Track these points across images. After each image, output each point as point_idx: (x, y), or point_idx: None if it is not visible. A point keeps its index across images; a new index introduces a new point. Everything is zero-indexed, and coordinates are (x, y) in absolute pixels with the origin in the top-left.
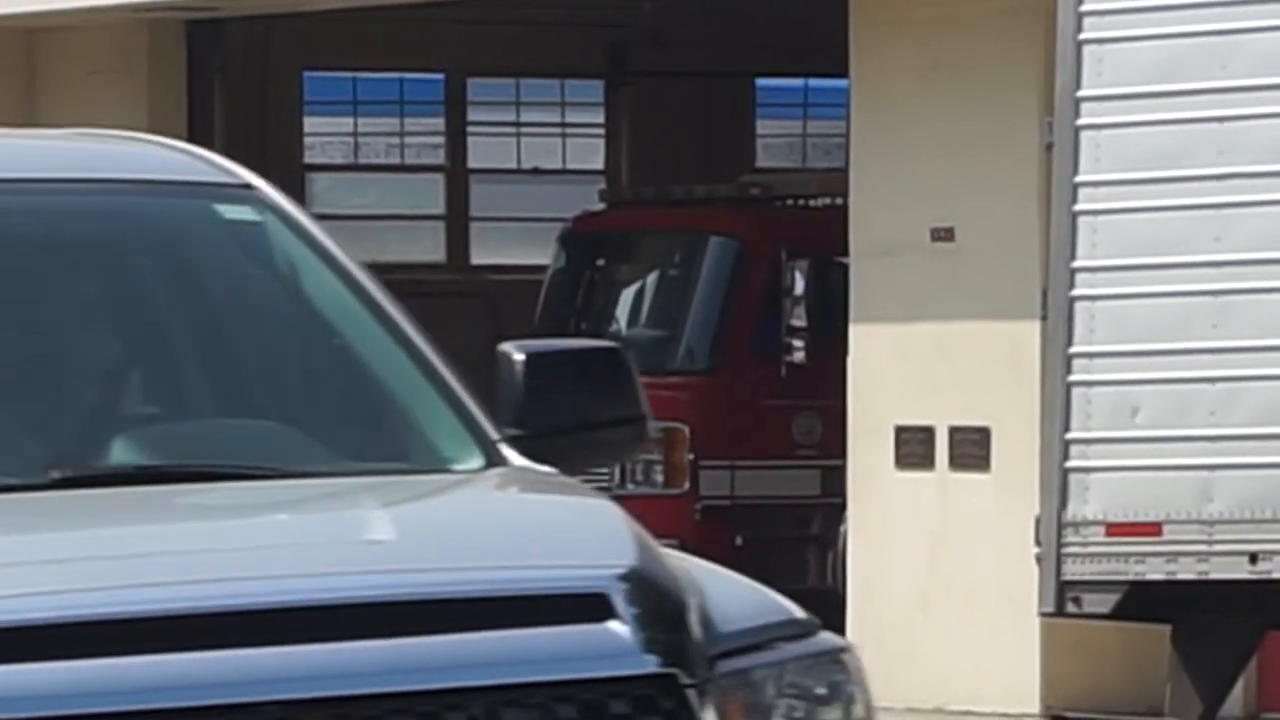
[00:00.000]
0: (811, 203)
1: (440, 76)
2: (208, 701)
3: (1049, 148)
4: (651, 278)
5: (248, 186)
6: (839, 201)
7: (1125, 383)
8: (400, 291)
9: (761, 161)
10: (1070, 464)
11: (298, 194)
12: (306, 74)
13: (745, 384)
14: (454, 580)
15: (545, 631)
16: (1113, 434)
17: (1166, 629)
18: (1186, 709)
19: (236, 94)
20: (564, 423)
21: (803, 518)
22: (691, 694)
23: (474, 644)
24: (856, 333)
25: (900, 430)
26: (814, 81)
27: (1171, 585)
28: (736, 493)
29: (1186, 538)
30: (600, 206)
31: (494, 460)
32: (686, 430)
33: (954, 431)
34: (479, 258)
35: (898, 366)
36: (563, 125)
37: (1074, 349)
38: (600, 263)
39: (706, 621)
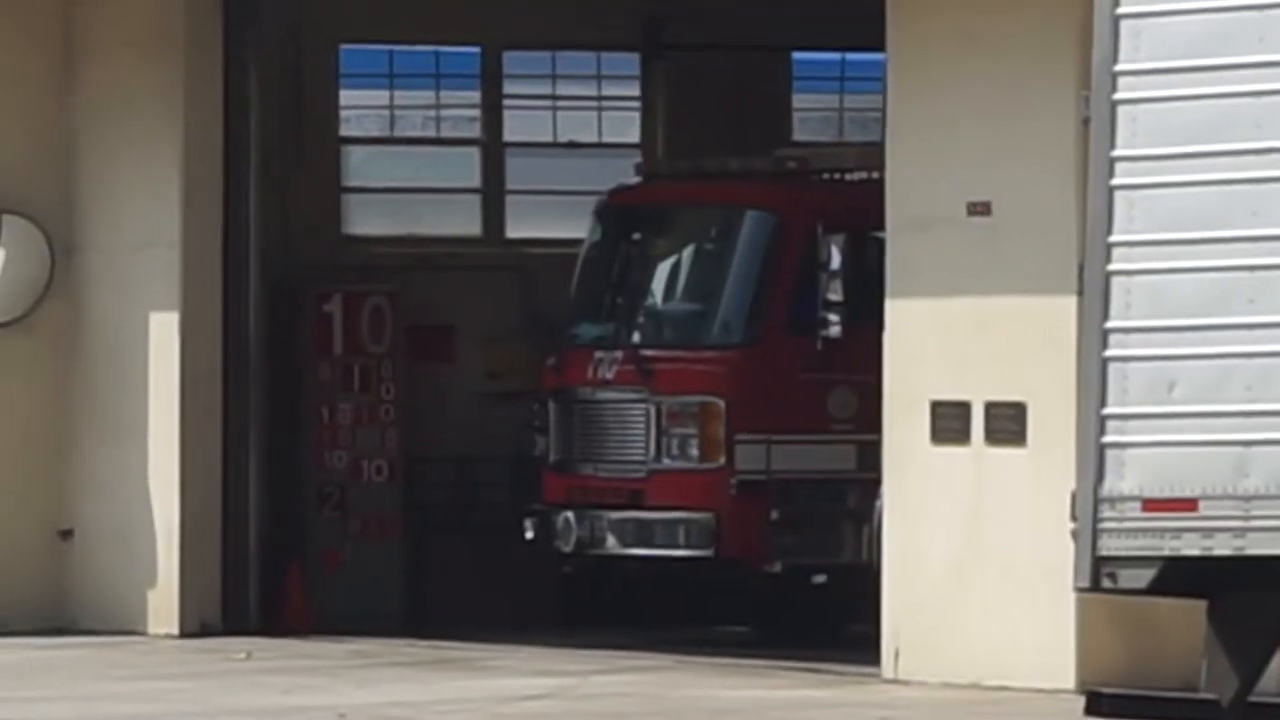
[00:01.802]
0: (847, 177)
1: (476, 49)
2: None
3: (1086, 122)
4: (687, 251)
5: None
6: (875, 176)
7: (1162, 358)
8: (436, 265)
9: (798, 135)
10: (1107, 439)
11: (333, 167)
12: (342, 47)
13: (781, 358)
14: None
15: None
16: (1149, 409)
17: (1202, 604)
18: (1222, 684)
19: (272, 66)
20: None
21: (838, 492)
22: None
23: None
24: (893, 307)
25: (937, 405)
26: (851, 55)
27: (1207, 561)
28: (772, 467)
29: (1223, 513)
30: (635, 180)
31: None
32: (722, 404)
33: (990, 406)
34: (515, 231)
35: (934, 341)
36: (599, 98)
37: (1111, 324)
38: (635, 236)
39: None
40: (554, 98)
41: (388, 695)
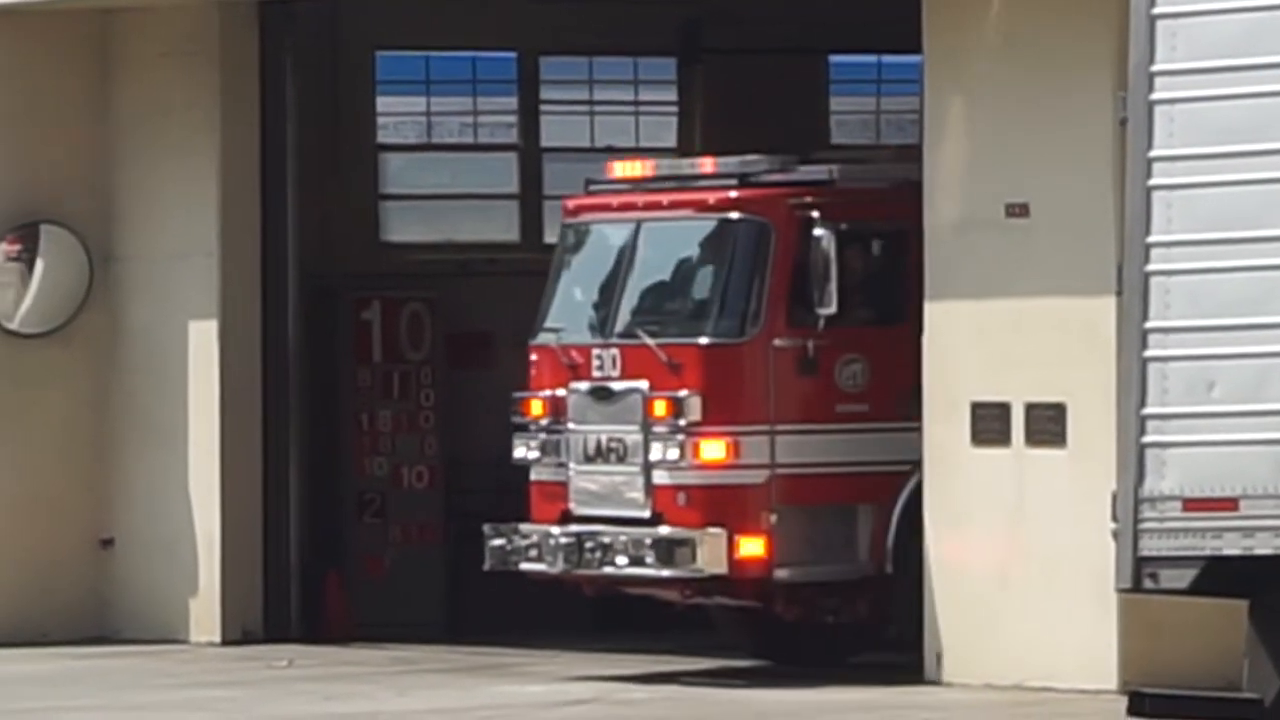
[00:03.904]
0: (836, 179)
1: (513, 55)
2: None
3: (1123, 123)
4: (664, 258)
5: None
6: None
7: (1201, 358)
8: (474, 271)
9: (835, 138)
10: (1147, 439)
11: (371, 174)
12: (379, 54)
13: (775, 353)
14: None
15: None
16: (1189, 409)
17: (1244, 604)
18: (1265, 684)
19: (309, 75)
20: None
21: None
22: None
23: None
24: (932, 310)
25: (976, 407)
26: (887, 58)
27: (1249, 560)
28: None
29: (1264, 512)
30: (597, 186)
31: None
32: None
33: (1030, 408)
34: (552, 237)
35: (973, 343)
36: (636, 103)
37: (1150, 324)
38: (606, 244)
39: None
40: (591, 103)
41: (428, 702)
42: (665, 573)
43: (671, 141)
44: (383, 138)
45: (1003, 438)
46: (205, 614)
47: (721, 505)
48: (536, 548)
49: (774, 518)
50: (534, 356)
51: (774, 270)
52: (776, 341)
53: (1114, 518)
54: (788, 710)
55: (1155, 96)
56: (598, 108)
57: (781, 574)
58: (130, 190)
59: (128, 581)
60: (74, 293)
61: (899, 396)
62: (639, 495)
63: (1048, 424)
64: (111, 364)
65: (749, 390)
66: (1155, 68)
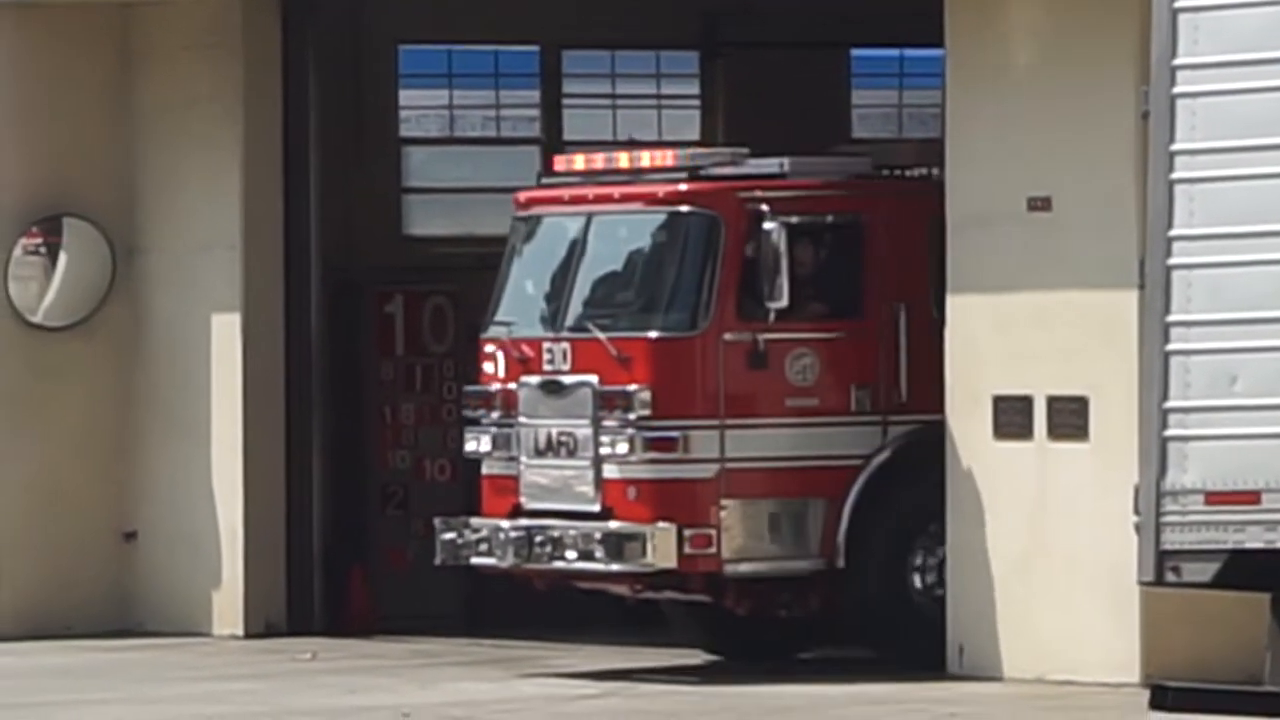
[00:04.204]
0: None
1: (535, 49)
2: None
3: (1145, 116)
4: (614, 251)
5: None
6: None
7: (1223, 351)
8: (496, 264)
9: (857, 132)
10: (1169, 433)
11: (393, 167)
12: (401, 47)
13: (725, 347)
14: None
15: None
16: (1211, 402)
17: (1266, 597)
18: None
19: (331, 68)
20: None
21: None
22: None
23: None
24: (954, 303)
25: (999, 400)
26: (909, 51)
27: (1271, 554)
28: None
29: None
30: (549, 179)
31: None
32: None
33: (1052, 401)
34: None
35: (996, 336)
36: (658, 97)
37: (1172, 318)
38: (557, 237)
39: None
40: (613, 96)
41: (451, 695)
42: (615, 567)
43: (694, 135)
44: (405, 131)
45: (1025, 431)
46: (228, 607)
47: (671, 499)
48: (487, 542)
49: (724, 512)
50: (485, 350)
51: (724, 264)
52: (726, 335)
53: (1136, 511)
54: (811, 704)
55: (1177, 90)
56: (620, 101)
57: (731, 568)
58: (153, 183)
59: (151, 575)
60: (97, 286)
61: (851, 390)
62: (589, 489)
63: (1070, 417)
64: (134, 357)
65: (699, 384)
66: (1177, 61)
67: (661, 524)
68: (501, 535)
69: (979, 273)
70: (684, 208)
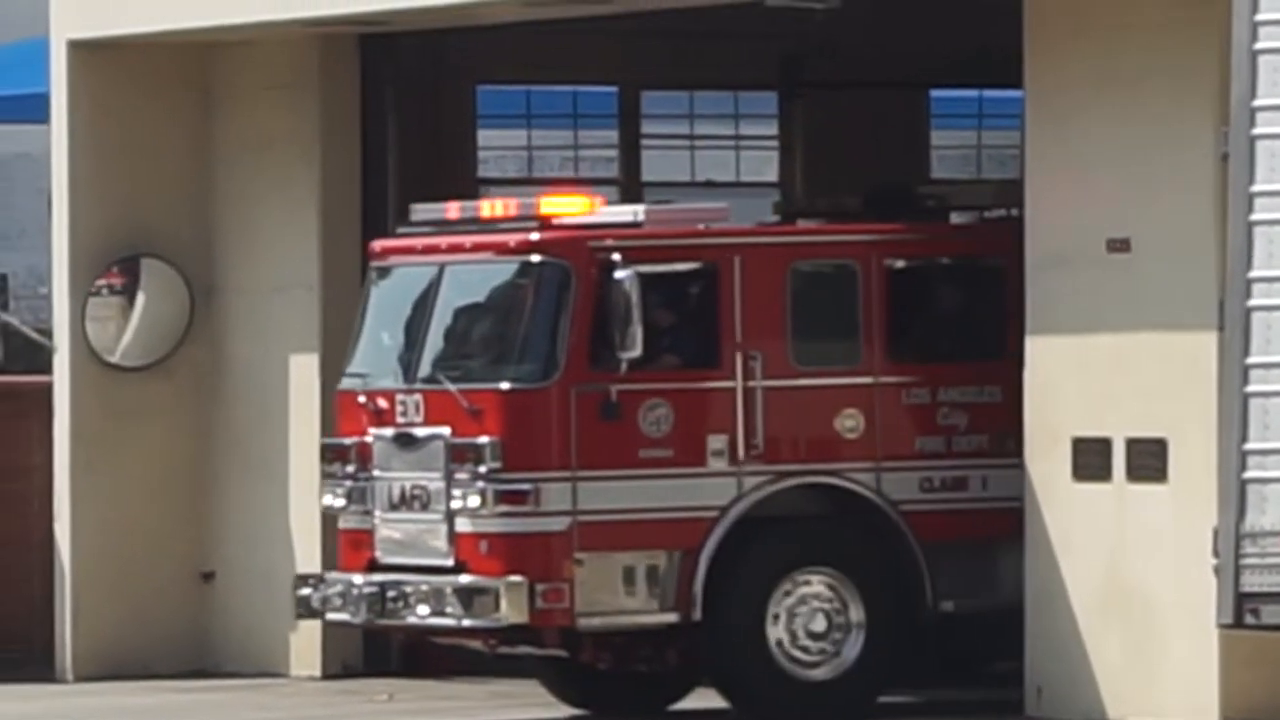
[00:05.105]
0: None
1: (614, 89)
2: None
3: (1224, 158)
4: (467, 302)
5: None
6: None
7: None
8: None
9: (936, 172)
10: (1248, 475)
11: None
12: (480, 87)
13: (577, 398)
14: None
15: None
16: None
17: None
18: None
19: (409, 108)
20: None
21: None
22: None
23: None
24: (1033, 344)
25: (1078, 441)
26: (988, 92)
27: None
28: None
29: None
30: (405, 229)
31: None
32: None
33: (1131, 443)
34: None
35: (1074, 378)
36: (736, 137)
37: (1251, 359)
38: (410, 287)
39: None
40: (692, 137)
41: None
42: (466, 623)
43: (773, 176)
44: (484, 171)
45: (1104, 473)
46: (305, 647)
47: (523, 553)
48: (341, 597)
49: (577, 565)
50: (341, 402)
51: (575, 314)
52: (578, 386)
53: (1215, 554)
54: None
55: (1257, 131)
56: (698, 142)
57: (585, 623)
58: (231, 223)
59: (228, 615)
60: (175, 326)
61: (707, 441)
62: (442, 544)
63: (1149, 459)
64: (213, 397)
65: (550, 436)
66: (1257, 103)
67: (513, 578)
68: (355, 591)
69: (1058, 314)
70: (535, 257)
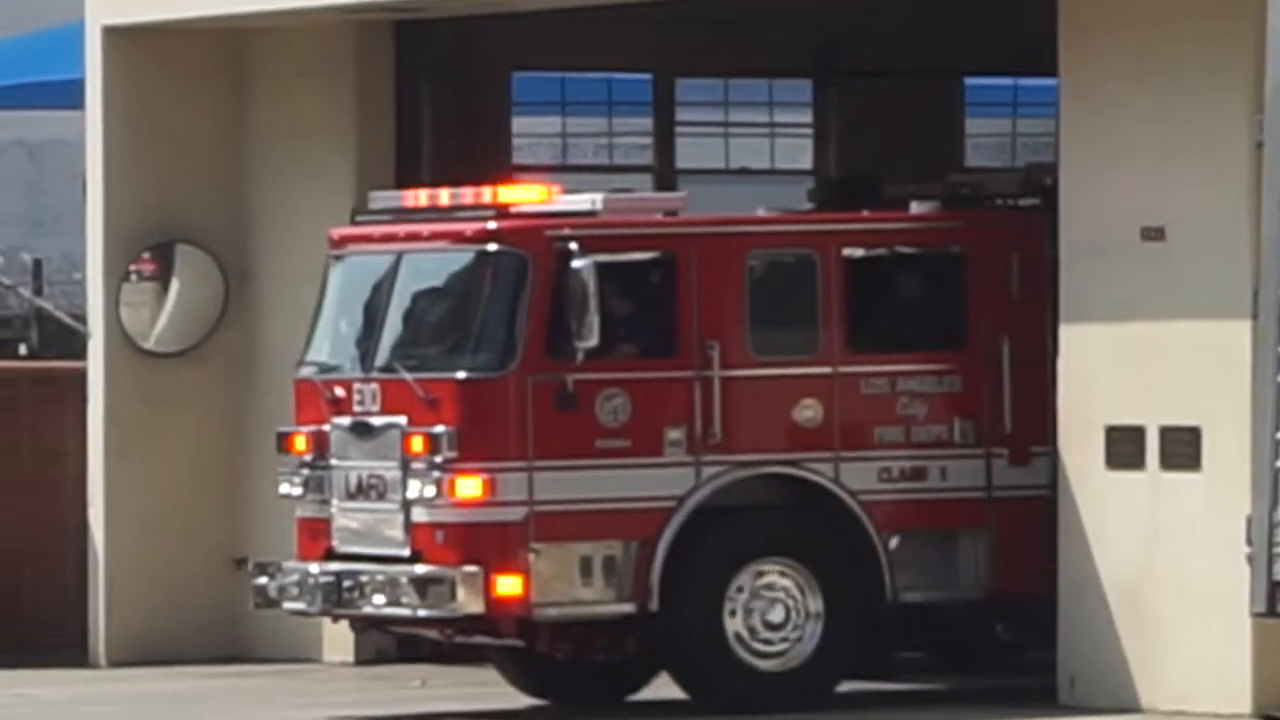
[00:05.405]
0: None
1: (648, 76)
2: None
3: (1259, 146)
4: (424, 291)
5: None
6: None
7: None
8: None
9: (970, 160)
10: None
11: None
12: (515, 74)
13: (533, 388)
14: None
15: None
16: None
17: None
18: None
19: (444, 95)
20: None
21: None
22: None
23: None
24: (1067, 332)
25: (1111, 430)
26: (1023, 80)
27: None
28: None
29: None
30: (363, 217)
31: None
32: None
33: (1165, 431)
34: None
35: (1109, 366)
36: (771, 125)
37: None
38: (368, 276)
39: None
40: (726, 124)
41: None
42: (422, 612)
43: (807, 163)
44: (518, 158)
45: (1137, 461)
46: (339, 633)
47: (478, 543)
48: (297, 586)
49: (533, 555)
50: (298, 390)
51: (532, 303)
52: (534, 376)
53: (1248, 542)
54: None
55: None
56: (732, 129)
57: (540, 613)
58: (265, 209)
59: None
60: (209, 312)
61: (665, 431)
62: (398, 533)
63: (1183, 447)
64: (247, 383)
65: (506, 426)
66: None
67: (468, 568)
68: (311, 580)
69: (1092, 303)
70: (491, 246)
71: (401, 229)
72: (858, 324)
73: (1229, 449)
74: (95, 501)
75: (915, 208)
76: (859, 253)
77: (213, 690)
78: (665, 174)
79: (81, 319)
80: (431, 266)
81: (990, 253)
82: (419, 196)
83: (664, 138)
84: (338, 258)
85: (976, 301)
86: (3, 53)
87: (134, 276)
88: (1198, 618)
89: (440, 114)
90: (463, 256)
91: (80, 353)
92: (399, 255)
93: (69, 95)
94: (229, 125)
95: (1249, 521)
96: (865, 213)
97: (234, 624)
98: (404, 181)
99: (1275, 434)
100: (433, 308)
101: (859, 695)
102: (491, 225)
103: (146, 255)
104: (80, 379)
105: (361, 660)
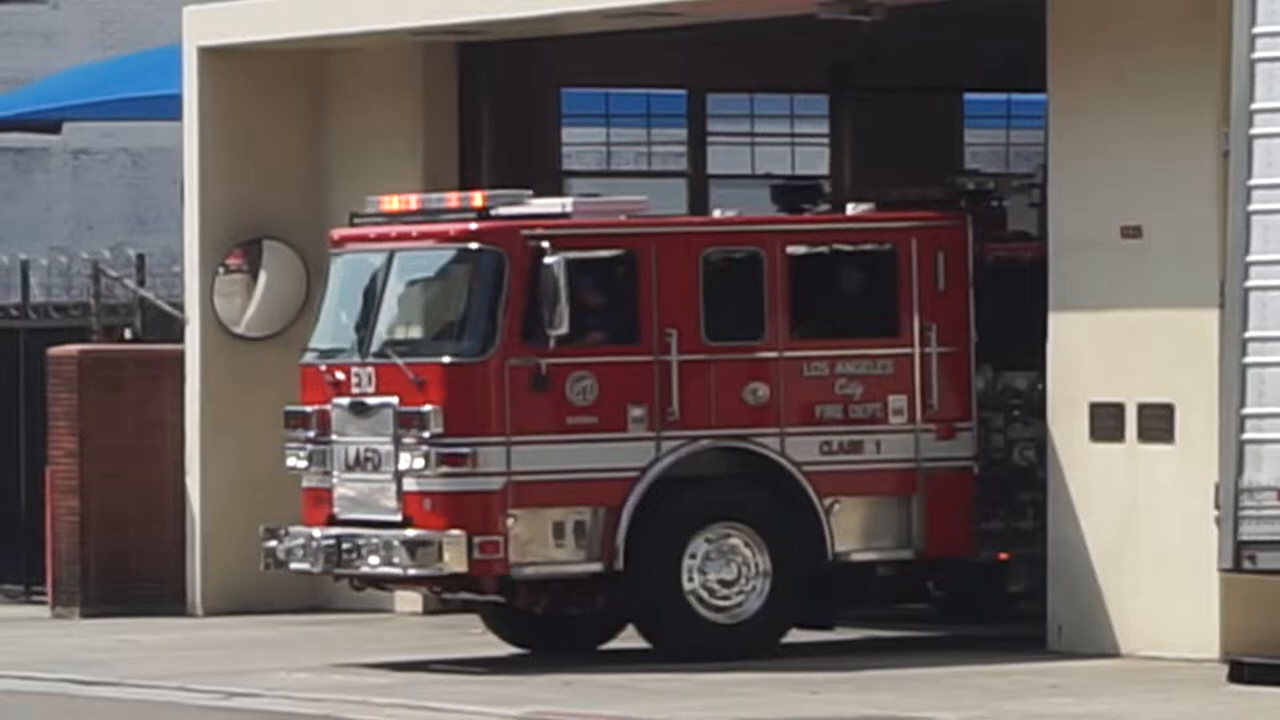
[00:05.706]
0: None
1: (683, 92)
2: None
3: (1225, 155)
4: (413, 284)
5: None
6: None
7: None
8: None
9: (969, 168)
10: (1245, 436)
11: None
12: (564, 90)
13: (510, 371)
14: None
15: None
16: None
17: None
18: None
19: (502, 108)
20: None
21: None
22: None
23: None
24: (1056, 319)
25: (1094, 406)
26: (1016, 96)
27: None
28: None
29: None
30: (360, 219)
31: None
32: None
33: (1142, 408)
34: None
35: (1093, 349)
36: (791, 135)
37: (1249, 334)
38: (364, 272)
39: None
40: (752, 135)
41: (611, 661)
42: (412, 571)
43: (824, 170)
44: (567, 165)
45: (1118, 434)
46: None
47: (463, 510)
48: (302, 549)
49: (511, 520)
50: (304, 374)
51: (509, 295)
52: (511, 360)
53: (1216, 506)
54: (927, 678)
55: (1255, 131)
56: (758, 139)
57: (518, 572)
58: (343, 209)
59: None
60: (292, 300)
61: (628, 409)
62: (391, 501)
63: (1158, 422)
64: None
65: (487, 405)
66: (1255, 106)
67: (453, 531)
68: (314, 544)
69: (1077, 293)
70: (472, 245)
71: (394, 229)
72: (800, 313)
73: (1199, 423)
74: (192, 469)
75: (851, 210)
76: (801, 250)
77: (296, 636)
78: (698, 179)
79: (180, 307)
80: (420, 263)
81: (919, 251)
82: (409, 200)
83: (697, 147)
84: (339, 255)
85: (907, 294)
86: (111, 71)
87: (226, 269)
88: (1171, 573)
89: (498, 125)
90: (448, 254)
91: (179, 337)
92: (391, 253)
93: (169, 108)
94: (310, 134)
95: (1217, 488)
96: (807, 214)
97: (317, 578)
98: (466, 184)
99: (1240, 410)
100: (421, 299)
101: (803, 644)
102: (473, 226)
103: (237, 250)
104: (179, 361)
105: (429, 610)
